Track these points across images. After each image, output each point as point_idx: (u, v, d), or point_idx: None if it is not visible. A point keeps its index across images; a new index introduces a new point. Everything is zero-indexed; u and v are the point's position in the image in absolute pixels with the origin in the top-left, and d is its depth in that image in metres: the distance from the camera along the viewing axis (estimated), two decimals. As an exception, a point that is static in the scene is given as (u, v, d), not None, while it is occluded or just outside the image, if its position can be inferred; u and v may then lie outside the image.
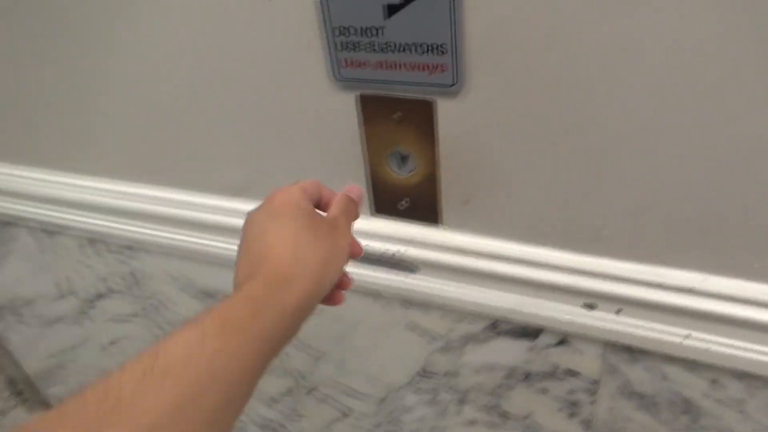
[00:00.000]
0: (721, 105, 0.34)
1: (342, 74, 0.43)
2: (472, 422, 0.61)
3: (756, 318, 0.40)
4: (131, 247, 0.66)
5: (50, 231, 0.70)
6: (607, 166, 0.39)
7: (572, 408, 0.54)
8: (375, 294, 0.55)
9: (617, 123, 0.37)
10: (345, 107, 0.45)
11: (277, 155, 0.51)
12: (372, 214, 0.50)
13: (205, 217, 0.58)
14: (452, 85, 0.40)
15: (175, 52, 0.48)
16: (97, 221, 0.65)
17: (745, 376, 0.44)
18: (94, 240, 0.67)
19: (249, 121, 0.49)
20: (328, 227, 0.33)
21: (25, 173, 0.65)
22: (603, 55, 0.35)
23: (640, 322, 0.44)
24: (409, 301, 0.54)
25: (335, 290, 0.36)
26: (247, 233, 0.32)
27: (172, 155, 0.56)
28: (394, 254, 0.50)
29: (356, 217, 0.38)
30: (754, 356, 0.42)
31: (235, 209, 0.56)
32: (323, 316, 0.58)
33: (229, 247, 0.57)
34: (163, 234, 0.61)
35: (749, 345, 0.42)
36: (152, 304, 0.72)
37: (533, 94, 0.38)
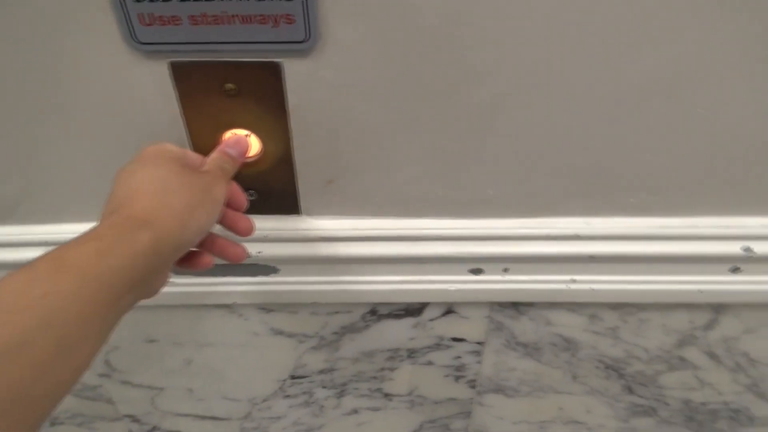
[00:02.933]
0: (597, 56, 0.31)
1: (142, 36, 0.31)
2: (353, 411, 0.56)
3: (633, 251, 0.41)
4: None
5: None
6: (490, 124, 0.35)
7: (458, 372, 0.51)
8: (228, 306, 0.45)
9: (498, 78, 0.32)
10: (155, 81, 0.33)
11: (65, 156, 0.37)
12: (210, 214, 0.40)
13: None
14: (303, 41, 0.31)
15: None
16: None
17: (619, 306, 0.45)
18: None
19: (18, 114, 0.35)
20: (199, 175, 0.31)
21: None
22: (481, 3, 0.29)
23: (526, 277, 0.42)
24: (270, 306, 0.45)
25: (202, 253, 0.32)
26: (116, 180, 0.30)
27: None
28: (250, 255, 0.41)
29: (235, 166, 0.33)
30: (629, 287, 0.43)
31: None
32: (157, 344, 0.47)
33: None
34: None
35: (625, 277, 0.42)
36: None
37: (404, 48, 0.31)
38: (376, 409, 0.56)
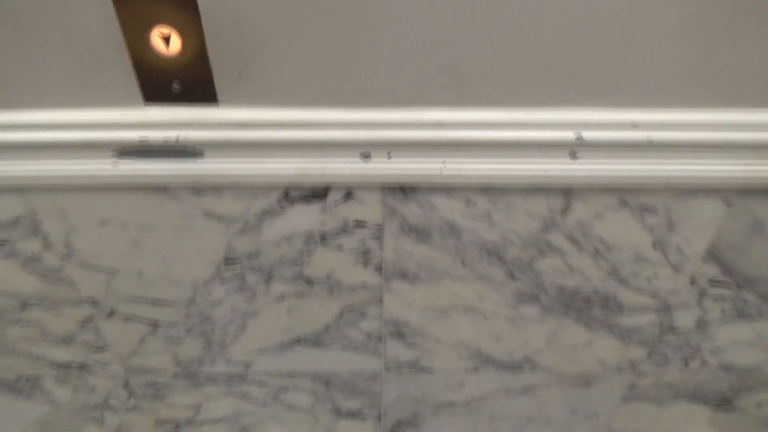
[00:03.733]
0: (440, -49, 0.41)
1: (82, -54, 0.40)
2: (281, 297, 0.65)
3: (487, 137, 0.50)
4: None
5: None
6: (365, 21, 0.44)
7: (365, 257, 0.61)
8: (164, 188, 0.54)
9: (363, -23, 0.42)
10: (93, -15, 0.42)
11: (27, 51, 0.46)
12: (145, 104, 0.49)
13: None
14: (206, -50, 0.41)
15: None
16: None
17: (488, 190, 0.55)
18: None
19: (-25, 13, 0.44)
20: None
21: None
22: None
23: (406, 161, 0.52)
24: (200, 188, 0.55)
25: None
26: None
27: None
28: (176, 140, 0.50)
29: None
30: (490, 171, 0.52)
31: (-22, 123, 0.49)
32: (110, 226, 0.56)
33: (-20, 167, 0.51)
34: None
35: (485, 162, 0.52)
36: None
37: (285, -45, 0.41)
38: (300, 295, 0.65)
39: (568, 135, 0.50)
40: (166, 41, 0.46)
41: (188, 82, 0.48)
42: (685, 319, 0.68)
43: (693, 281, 0.63)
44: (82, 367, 0.74)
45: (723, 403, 0.81)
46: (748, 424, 0.85)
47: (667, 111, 0.49)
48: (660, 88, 0.48)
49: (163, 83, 0.48)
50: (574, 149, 0.51)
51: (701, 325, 0.69)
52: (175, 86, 0.48)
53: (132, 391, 0.79)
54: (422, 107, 0.49)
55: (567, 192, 0.55)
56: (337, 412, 0.83)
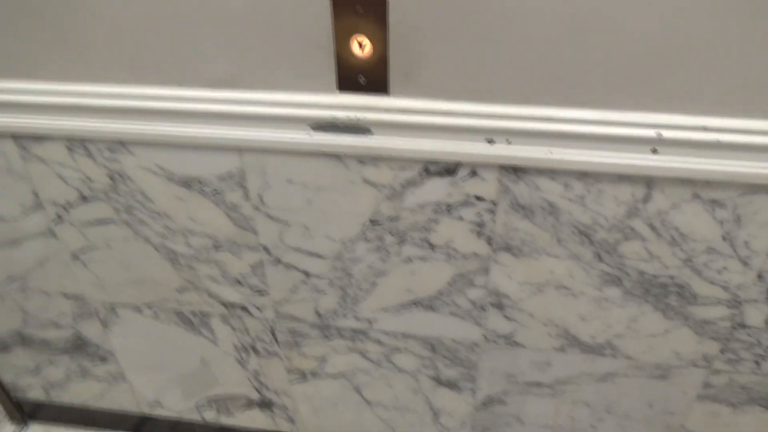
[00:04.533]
0: (561, -10, 0.59)
1: (322, -19, 0.63)
2: (408, 259, 0.83)
3: (589, 131, 0.66)
4: (118, 146, 0.79)
5: (37, 137, 0.80)
6: (495, 38, 0.63)
7: (479, 228, 0.77)
8: (338, 157, 0.74)
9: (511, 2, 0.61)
10: (321, 4, 0.64)
11: (260, 49, 0.68)
12: (338, 91, 0.70)
13: (191, 107, 0.73)
14: (400, -14, 0.61)
15: (189, -33, 0.64)
16: (84, 123, 0.77)
17: (584, 175, 0.70)
18: (83, 140, 0.79)
19: (238, 18, 0.67)
20: None
21: (8, 85, 0.76)
22: (495, -40, 0.58)
23: (521, 147, 0.69)
24: (364, 159, 0.74)
25: None
26: None
27: (158, 54, 0.71)
28: (357, 119, 0.70)
29: None
30: (589, 159, 0.68)
31: (222, 98, 0.72)
32: (294, 185, 0.77)
33: (215, 133, 0.74)
34: (150, 127, 0.76)
35: (585, 152, 0.68)
36: (135, 201, 0.84)
37: (452, -10, 0.61)
38: (424, 259, 0.82)
39: (651, 133, 0.65)
40: (361, 46, 0.67)
41: (371, 77, 0.68)
42: (755, 316, 0.78)
43: (761, 277, 0.74)
44: (244, 308, 0.95)
45: (797, 414, 0.87)
46: (824, 443, 0.90)
47: (732, 118, 0.63)
48: (727, 99, 0.62)
49: (353, 77, 0.69)
50: (655, 145, 0.65)
51: (771, 323, 0.78)
52: (361, 79, 0.69)
53: (276, 337, 0.98)
54: (536, 105, 0.67)
55: (648, 182, 0.69)
56: (438, 380, 0.97)
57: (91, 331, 1.05)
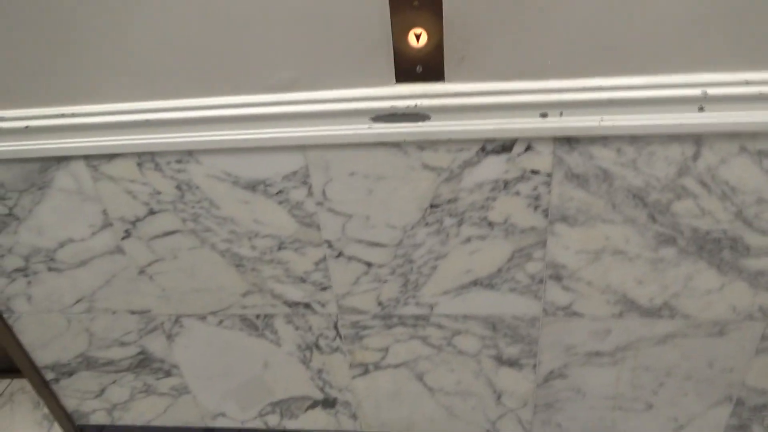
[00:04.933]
0: (605, -35, 0.63)
1: (379, -22, 0.67)
2: (468, 240, 0.86)
3: (638, 95, 0.70)
4: (186, 156, 0.83)
5: (108, 155, 0.85)
6: (547, 14, 0.67)
7: (536, 201, 0.81)
8: (398, 145, 0.79)
9: (551, -15, 0.65)
10: (378, 1, 0.69)
11: (320, 51, 0.73)
12: (396, 82, 0.74)
13: (255, 111, 0.78)
14: (453, -24, 0.66)
15: (254, -23, 0.69)
16: (154, 137, 0.81)
17: (635, 139, 0.74)
18: (153, 154, 0.84)
19: (298, 22, 0.71)
20: None
21: (72, 110, 0.80)
22: (542, -57, 0.63)
23: (574, 119, 0.73)
24: (423, 144, 0.78)
25: None
26: None
27: (225, 67, 0.76)
28: (415, 106, 0.74)
29: None
30: (639, 122, 0.72)
31: (284, 100, 0.76)
32: (356, 177, 0.81)
33: (279, 133, 0.78)
34: (216, 135, 0.80)
35: (635, 116, 0.72)
36: (201, 209, 0.88)
37: (502, -25, 0.65)
38: (483, 238, 0.86)
39: (697, 92, 0.69)
40: (417, 38, 0.71)
41: (427, 66, 0.73)
42: (807, 263, 0.81)
43: (810, 222, 0.78)
44: (307, 305, 0.98)
45: None
46: None
47: (773, 71, 0.68)
48: (765, 53, 0.67)
49: (410, 67, 0.73)
50: (701, 103, 0.70)
51: (822, 268, 0.81)
52: (419, 69, 0.73)
53: (338, 332, 1.01)
54: (586, 77, 0.71)
55: (697, 139, 0.73)
56: (499, 359, 1.00)
57: (155, 345, 1.08)
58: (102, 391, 1.19)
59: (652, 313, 0.90)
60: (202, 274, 0.97)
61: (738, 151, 0.73)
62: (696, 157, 0.74)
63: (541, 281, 0.89)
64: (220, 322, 1.03)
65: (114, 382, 1.16)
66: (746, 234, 0.80)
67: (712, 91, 0.69)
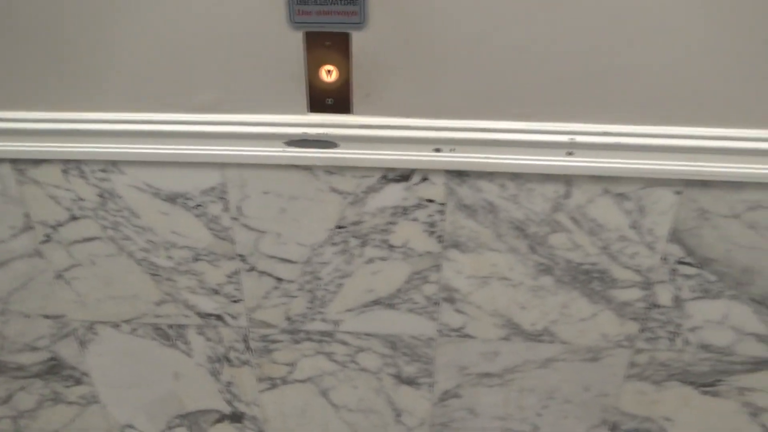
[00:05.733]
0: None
1: (296, 19, 0.76)
2: (370, 260, 0.94)
3: (518, 138, 0.81)
4: (110, 166, 0.89)
5: (35, 160, 0.89)
6: (444, 65, 0.77)
7: (431, 228, 0.90)
8: (309, 168, 0.86)
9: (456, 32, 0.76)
10: (296, 41, 0.78)
11: (242, 79, 0.81)
12: (308, 112, 0.83)
13: (180, 128, 0.84)
14: (360, 23, 0.76)
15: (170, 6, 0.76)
16: (81, 146, 0.86)
17: (516, 176, 0.85)
18: (78, 162, 0.89)
19: (225, 53, 0.79)
20: None
21: (2, 115, 0.85)
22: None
23: (463, 154, 0.83)
24: (331, 169, 0.86)
25: None
26: None
27: (154, 86, 0.83)
28: (325, 134, 0.83)
29: None
30: (519, 162, 0.82)
31: (207, 120, 0.84)
32: (270, 195, 0.88)
33: (200, 150, 0.85)
34: (141, 147, 0.86)
35: (515, 156, 0.82)
36: (122, 217, 0.93)
37: (409, 29, 0.75)
38: (384, 259, 0.94)
39: (566, 138, 0.80)
40: (329, 74, 0.80)
41: (337, 99, 0.82)
42: (664, 296, 0.93)
43: (664, 259, 0.89)
44: (219, 317, 1.03)
45: (708, 385, 1.01)
46: (733, 411, 1.04)
47: (630, 125, 0.80)
48: (624, 109, 0.79)
49: (322, 99, 0.82)
50: (569, 149, 0.81)
51: (677, 301, 0.93)
52: (329, 101, 0.82)
53: (248, 345, 1.06)
54: (474, 119, 0.81)
55: (568, 180, 0.84)
56: (399, 377, 1.07)
57: (67, 351, 1.10)
58: (9, 397, 1.18)
59: (534, 337, 0.99)
60: (118, 281, 1.00)
61: (602, 193, 0.85)
62: (567, 195, 0.85)
63: (436, 303, 0.97)
64: (134, 330, 1.06)
65: (22, 389, 1.16)
66: (612, 267, 0.91)
67: (578, 138, 0.80)
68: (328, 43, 0.78)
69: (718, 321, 0.94)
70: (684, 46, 0.73)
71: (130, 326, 1.06)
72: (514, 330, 0.99)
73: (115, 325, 1.06)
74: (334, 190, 0.88)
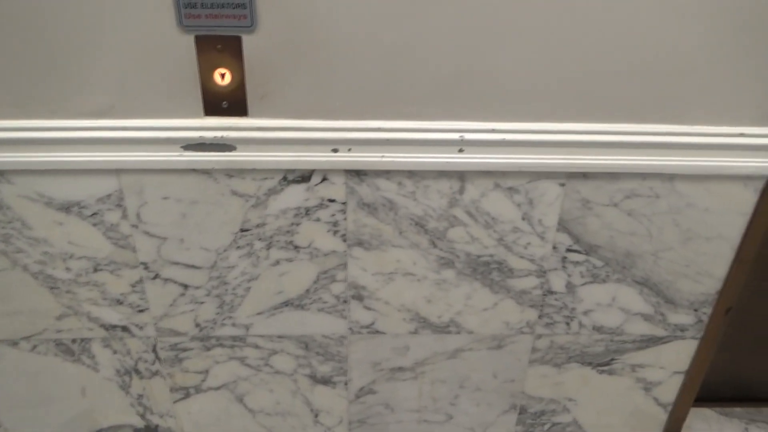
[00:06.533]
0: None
1: (185, 23, 0.77)
2: (276, 262, 0.95)
3: (411, 137, 0.84)
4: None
5: None
6: (337, 65, 0.80)
7: (335, 227, 0.92)
8: (208, 172, 0.86)
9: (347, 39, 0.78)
10: (187, 44, 0.78)
11: (135, 82, 0.80)
12: (204, 115, 0.83)
13: (71, 135, 0.82)
14: (250, 26, 0.77)
15: None
16: (-35, 158, 0.83)
17: (412, 174, 0.88)
18: (-39, 174, 0.85)
19: (115, 57, 0.78)
20: None
21: None
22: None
23: (360, 154, 0.85)
24: (231, 173, 0.87)
25: None
26: None
27: (43, 91, 0.80)
28: (222, 138, 0.83)
29: None
30: (413, 160, 0.86)
31: (100, 126, 0.82)
32: (169, 201, 0.87)
33: (94, 157, 0.83)
34: (30, 156, 0.83)
35: (410, 154, 0.85)
36: (13, 229, 0.90)
37: (298, 31, 0.77)
38: (290, 260, 0.95)
39: (456, 136, 0.84)
40: (222, 77, 0.81)
41: (232, 102, 0.82)
42: (558, 282, 0.98)
43: (555, 248, 0.95)
44: (125, 328, 1.00)
45: (604, 365, 1.08)
46: (628, 387, 1.11)
47: (514, 122, 0.84)
48: (508, 107, 0.83)
49: (217, 102, 0.82)
50: (460, 146, 0.85)
51: (570, 287, 0.99)
52: (224, 104, 0.82)
53: (157, 355, 1.04)
54: (369, 119, 0.84)
55: (461, 176, 0.88)
56: (314, 377, 1.08)
57: (-39, 374, 1.04)
58: None
59: (441, 329, 1.03)
60: (13, 296, 0.96)
61: (493, 187, 0.89)
62: (462, 191, 0.89)
63: (345, 301, 0.99)
64: (34, 347, 1.02)
65: None
66: (509, 258, 0.96)
67: (468, 136, 0.84)
68: (219, 47, 0.79)
69: (607, 304, 1.01)
70: (563, 47, 0.78)
71: (30, 343, 1.01)
72: (422, 323, 1.02)
73: (13, 343, 1.01)
74: (235, 193, 0.88)
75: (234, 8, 0.76)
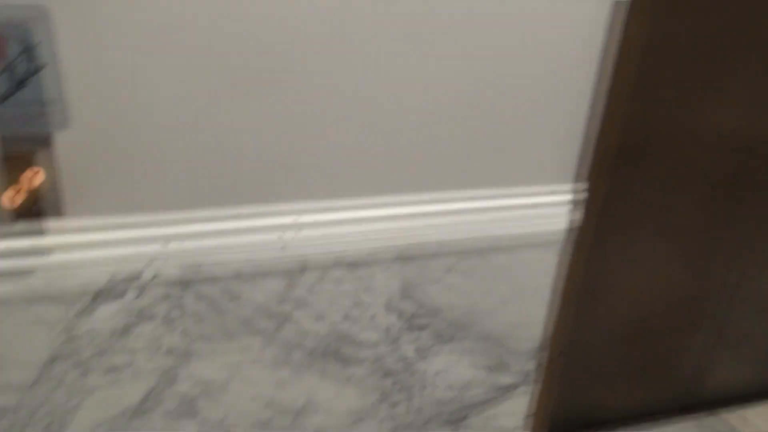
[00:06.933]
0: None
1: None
2: (96, 388, 0.82)
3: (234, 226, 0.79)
4: None
5: None
6: (151, 168, 0.72)
7: (158, 341, 0.82)
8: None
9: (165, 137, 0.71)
10: None
11: None
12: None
13: None
14: (62, 125, 0.67)
15: None
16: None
17: (238, 276, 0.82)
18: None
19: None
20: None
21: None
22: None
23: (190, 245, 0.78)
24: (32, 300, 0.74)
25: None
26: None
27: None
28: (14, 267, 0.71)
29: None
30: (237, 260, 0.81)
31: None
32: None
33: None
34: None
35: (233, 257, 0.80)
36: None
37: (111, 131, 0.69)
38: (113, 383, 0.83)
39: (289, 220, 0.81)
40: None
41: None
42: (408, 348, 0.98)
43: (400, 316, 0.95)
44: None
45: (461, 420, 1.10)
46: (488, 439, 1.14)
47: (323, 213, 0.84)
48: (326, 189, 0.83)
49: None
50: (297, 229, 0.82)
51: (420, 351, 0.99)
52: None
53: None
54: (199, 208, 0.77)
55: (303, 264, 0.85)
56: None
57: None
58: None
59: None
60: None
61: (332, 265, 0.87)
62: (302, 276, 0.86)
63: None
64: None
65: None
66: (352, 332, 0.93)
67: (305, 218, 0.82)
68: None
69: (456, 361, 1.03)
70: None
71: None
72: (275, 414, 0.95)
73: None
74: (38, 321, 0.76)
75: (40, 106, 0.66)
